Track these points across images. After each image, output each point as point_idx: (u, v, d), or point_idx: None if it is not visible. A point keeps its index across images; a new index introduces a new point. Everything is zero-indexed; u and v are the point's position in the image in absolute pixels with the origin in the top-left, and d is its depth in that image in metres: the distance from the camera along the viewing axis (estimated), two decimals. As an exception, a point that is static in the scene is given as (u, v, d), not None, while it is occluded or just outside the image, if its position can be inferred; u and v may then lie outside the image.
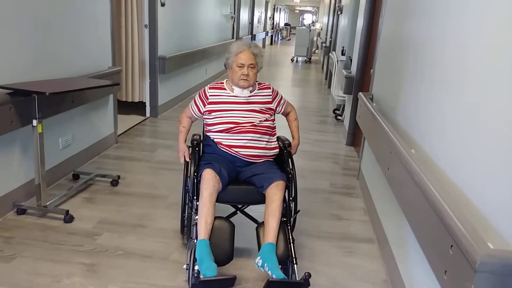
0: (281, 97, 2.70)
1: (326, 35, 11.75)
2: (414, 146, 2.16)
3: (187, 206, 2.46)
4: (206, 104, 2.54)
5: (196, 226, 2.19)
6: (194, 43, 7.03)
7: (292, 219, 2.38)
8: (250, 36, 14.03)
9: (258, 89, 2.59)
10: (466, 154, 1.58)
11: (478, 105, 1.52)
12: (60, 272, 2.27)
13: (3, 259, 2.36)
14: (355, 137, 4.84)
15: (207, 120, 2.54)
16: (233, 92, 2.54)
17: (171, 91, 6.12)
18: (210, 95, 2.55)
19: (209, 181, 2.23)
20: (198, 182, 2.30)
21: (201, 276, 1.95)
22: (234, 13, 10.71)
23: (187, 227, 2.50)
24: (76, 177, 3.47)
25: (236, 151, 2.44)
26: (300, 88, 9.37)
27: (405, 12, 2.75)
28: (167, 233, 2.75)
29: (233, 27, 10.80)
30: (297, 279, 2.08)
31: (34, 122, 2.70)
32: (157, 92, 5.53)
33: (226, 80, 2.62)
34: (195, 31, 7.14)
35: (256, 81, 2.59)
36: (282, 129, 2.80)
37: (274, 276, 2.00)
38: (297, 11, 35.85)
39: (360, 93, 3.53)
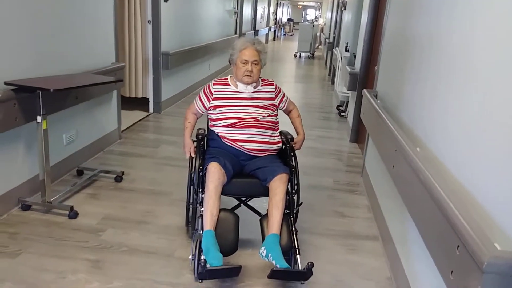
0: (284, 94, 2.74)
1: (330, 30, 11.73)
2: (418, 144, 2.15)
3: (192, 198, 2.51)
4: (211, 100, 2.57)
5: (202, 217, 2.25)
6: (197, 39, 7.02)
7: (295, 211, 2.44)
8: (253, 31, 13.99)
9: (261, 85, 2.63)
10: (472, 153, 1.57)
11: (483, 102, 1.51)
12: (65, 268, 2.28)
13: (9, 255, 2.37)
14: (359, 134, 4.83)
15: (212, 115, 2.58)
16: (237, 88, 2.58)
17: (174, 87, 6.12)
18: (214, 91, 2.58)
19: (215, 174, 2.28)
20: (204, 175, 2.36)
21: (208, 266, 2.00)
22: (237, 9, 10.68)
23: (192, 219, 2.54)
24: (80, 173, 3.48)
25: (240, 145, 2.48)
26: (303, 84, 9.35)
27: (410, 8, 2.74)
28: (171, 229, 2.75)
29: (236, 23, 10.77)
30: (300, 269, 2.12)
31: (39, 119, 2.70)
32: (160, 87, 5.53)
33: (230, 76, 2.66)
34: (198, 26, 7.12)
35: (260, 77, 2.64)
36: (285, 125, 2.81)
37: (278, 265, 2.06)
38: (300, 6, 35.73)
39: (365, 90, 3.52)
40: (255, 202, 2.68)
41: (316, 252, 2.61)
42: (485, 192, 1.45)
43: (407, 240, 2.25)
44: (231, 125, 2.50)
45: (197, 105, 2.64)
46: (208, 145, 2.62)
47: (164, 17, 5.39)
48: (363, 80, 4.68)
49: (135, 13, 5.14)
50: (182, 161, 3.65)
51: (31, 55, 2.87)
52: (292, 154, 2.58)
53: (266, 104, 2.58)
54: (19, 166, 2.89)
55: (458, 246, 1.33)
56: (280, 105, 2.71)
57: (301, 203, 2.49)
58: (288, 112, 2.83)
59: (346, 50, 6.23)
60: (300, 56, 14.72)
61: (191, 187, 2.51)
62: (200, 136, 2.62)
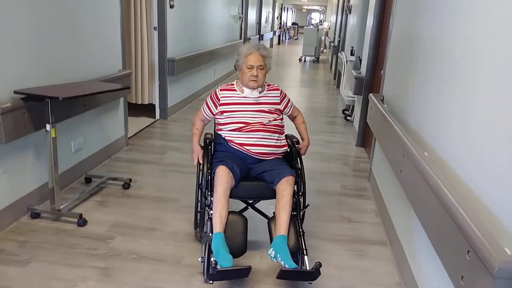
0: (289, 99, 2.79)
1: (335, 34, 11.73)
2: (425, 147, 2.15)
3: (200, 202, 2.55)
4: (218, 105, 2.62)
5: (211, 220, 2.29)
6: (202, 45, 7.05)
7: (301, 213, 2.48)
8: (258, 36, 14.02)
9: (267, 90, 2.68)
10: (479, 157, 1.57)
11: (490, 107, 1.51)
12: (75, 276, 2.29)
13: (19, 264, 2.38)
14: (365, 138, 4.82)
15: (219, 119, 2.63)
16: (243, 93, 2.63)
17: (180, 93, 6.15)
18: (221, 97, 2.63)
19: (223, 177, 2.32)
20: (212, 178, 2.40)
21: (218, 267, 2.03)
22: (242, 14, 10.72)
23: (200, 222, 2.58)
24: (88, 180, 3.50)
25: (247, 149, 2.52)
26: (309, 88, 9.35)
27: (416, 12, 2.74)
28: (179, 236, 2.76)
29: (241, 28, 10.80)
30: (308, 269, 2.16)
31: (48, 127, 2.72)
32: (167, 94, 5.56)
33: (236, 82, 2.71)
34: (203, 32, 7.16)
35: (265, 83, 2.69)
36: (289, 129, 2.82)
37: (286, 266, 2.11)
38: (305, 10, 35.76)
39: (371, 94, 3.52)
40: (261, 205, 2.71)
41: (324, 257, 2.61)
42: (493, 196, 1.45)
43: (416, 245, 2.24)
44: (238, 129, 2.54)
45: (204, 111, 2.68)
46: (215, 149, 2.66)
47: (170, 24, 5.42)
48: (369, 84, 4.68)
49: (141, 20, 5.17)
50: (189, 168, 3.67)
51: (40, 64, 2.90)
52: (297, 157, 2.63)
53: (271, 108, 2.63)
54: (28, 174, 2.91)
55: (468, 251, 1.33)
56: (285, 110, 2.74)
57: (308, 205, 2.52)
58: (293, 118, 2.87)
59: (352, 54, 6.23)
60: (305, 60, 14.73)
61: (200, 190, 2.54)
62: (207, 141, 2.67)
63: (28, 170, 2.91)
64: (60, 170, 2.94)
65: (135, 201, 3.23)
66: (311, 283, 2.26)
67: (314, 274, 2.08)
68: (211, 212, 2.31)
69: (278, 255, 2.17)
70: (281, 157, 2.64)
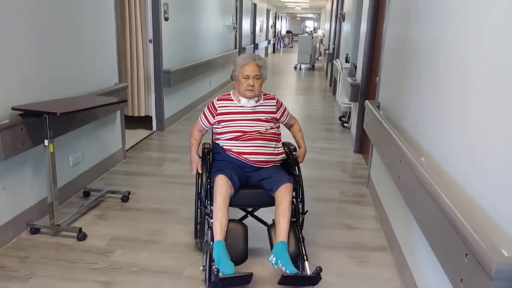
0: (285, 108, 2.82)
1: (329, 42, 11.80)
2: (422, 153, 2.17)
3: (200, 211, 2.56)
4: (215, 115, 2.66)
5: (211, 229, 2.31)
6: (198, 55, 7.09)
7: (301, 219, 2.50)
8: (253, 45, 14.10)
9: (263, 100, 2.72)
10: (475, 160, 1.59)
11: (486, 110, 1.53)
12: (76, 291, 2.29)
13: (20, 280, 2.38)
14: (362, 144, 4.84)
15: (217, 129, 2.67)
16: (240, 102, 2.66)
17: (177, 104, 6.17)
18: (218, 107, 2.67)
19: (222, 186, 2.35)
20: (211, 188, 2.42)
21: (220, 274, 2.06)
22: (236, 23, 10.79)
23: (200, 232, 2.59)
24: (86, 194, 3.50)
25: (245, 158, 2.55)
26: (305, 96, 9.39)
27: (408, 18, 2.77)
28: (179, 248, 2.76)
29: (236, 37, 10.87)
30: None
31: (46, 142, 2.73)
32: (163, 105, 5.58)
33: (233, 91, 2.75)
34: (198, 43, 7.20)
35: (262, 92, 2.73)
36: (286, 137, 2.85)
37: (288, 271, 2.14)
38: (298, 18, 36.00)
39: (367, 101, 3.54)
40: (260, 213, 2.72)
41: (325, 264, 2.59)
42: (489, 199, 1.46)
43: (416, 249, 2.25)
44: (236, 138, 2.57)
45: (202, 121, 2.72)
46: (214, 159, 2.69)
47: (165, 36, 5.46)
48: (365, 90, 4.71)
49: (136, 33, 5.21)
50: (187, 179, 3.68)
51: (37, 80, 2.92)
52: (295, 164, 2.65)
53: (268, 117, 2.66)
54: (27, 189, 2.91)
55: (467, 254, 1.34)
56: (282, 118, 2.78)
57: (307, 211, 2.55)
58: (289, 126, 2.90)
59: (347, 61, 6.27)
60: (300, 68, 14.80)
61: (199, 201, 2.56)
62: (206, 150, 2.71)
63: (27, 186, 2.91)
64: (58, 184, 2.95)
65: (134, 214, 3.23)
66: None
67: (315, 278, 2.11)
68: (211, 221, 2.33)
69: (279, 261, 2.20)
70: (279, 164, 2.66)
